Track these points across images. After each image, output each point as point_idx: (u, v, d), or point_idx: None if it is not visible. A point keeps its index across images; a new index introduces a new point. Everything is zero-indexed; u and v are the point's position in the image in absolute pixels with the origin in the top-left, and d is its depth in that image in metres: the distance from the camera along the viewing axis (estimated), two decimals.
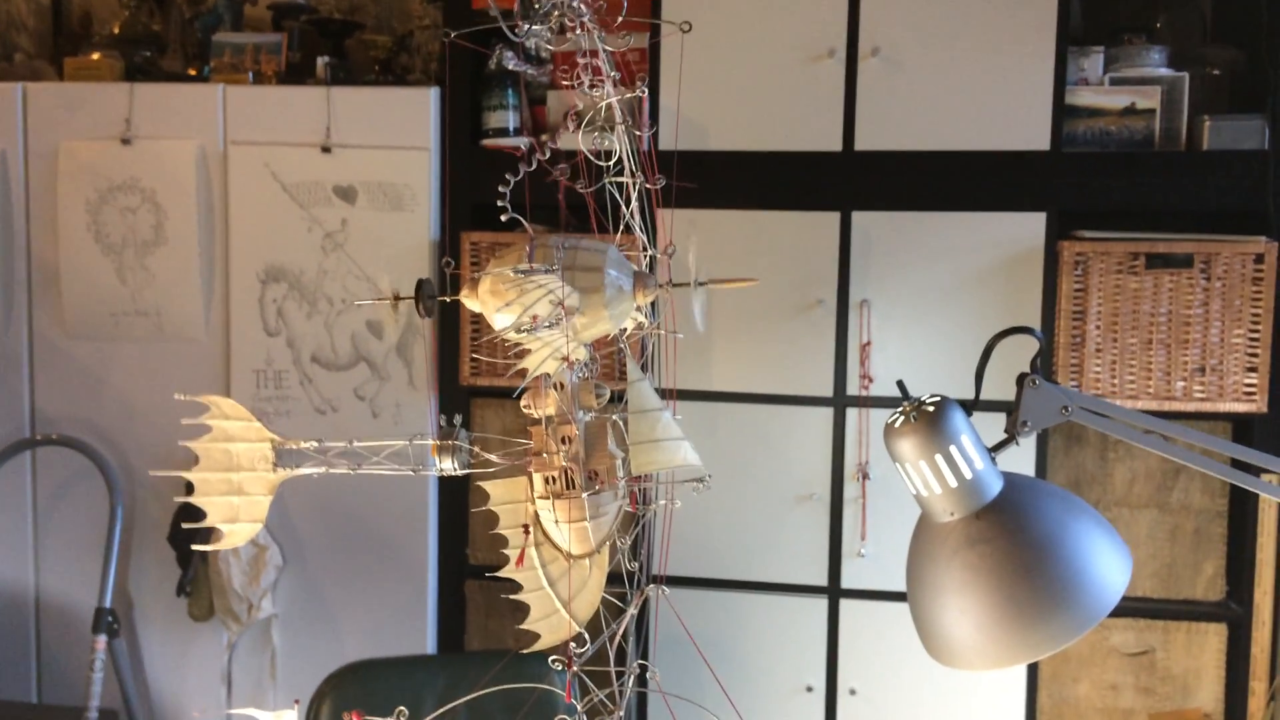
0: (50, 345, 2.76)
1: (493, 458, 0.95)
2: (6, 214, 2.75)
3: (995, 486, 1.01)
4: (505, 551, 0.95)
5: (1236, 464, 1.12)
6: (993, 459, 1.02)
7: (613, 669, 0.92)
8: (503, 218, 0.86)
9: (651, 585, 0.98)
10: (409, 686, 1.88)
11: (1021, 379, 1.03)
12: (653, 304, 0.95)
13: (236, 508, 0.97)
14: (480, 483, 0.95)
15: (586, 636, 0.90)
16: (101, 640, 2.59)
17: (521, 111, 2.61)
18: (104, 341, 2.73)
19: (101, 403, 2.74)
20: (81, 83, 2.74)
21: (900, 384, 1.05)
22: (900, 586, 2.45)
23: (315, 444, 0.95)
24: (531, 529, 0.91)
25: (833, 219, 2.44)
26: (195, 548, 2.54)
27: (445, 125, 2.60)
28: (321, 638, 2.71)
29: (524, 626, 0.93)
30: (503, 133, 2.58)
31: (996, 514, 0.99)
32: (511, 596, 0.93)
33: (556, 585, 0.92)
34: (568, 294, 0.85)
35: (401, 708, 0.87)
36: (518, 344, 0.90)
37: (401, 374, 2.64)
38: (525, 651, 0.92)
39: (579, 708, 0.89)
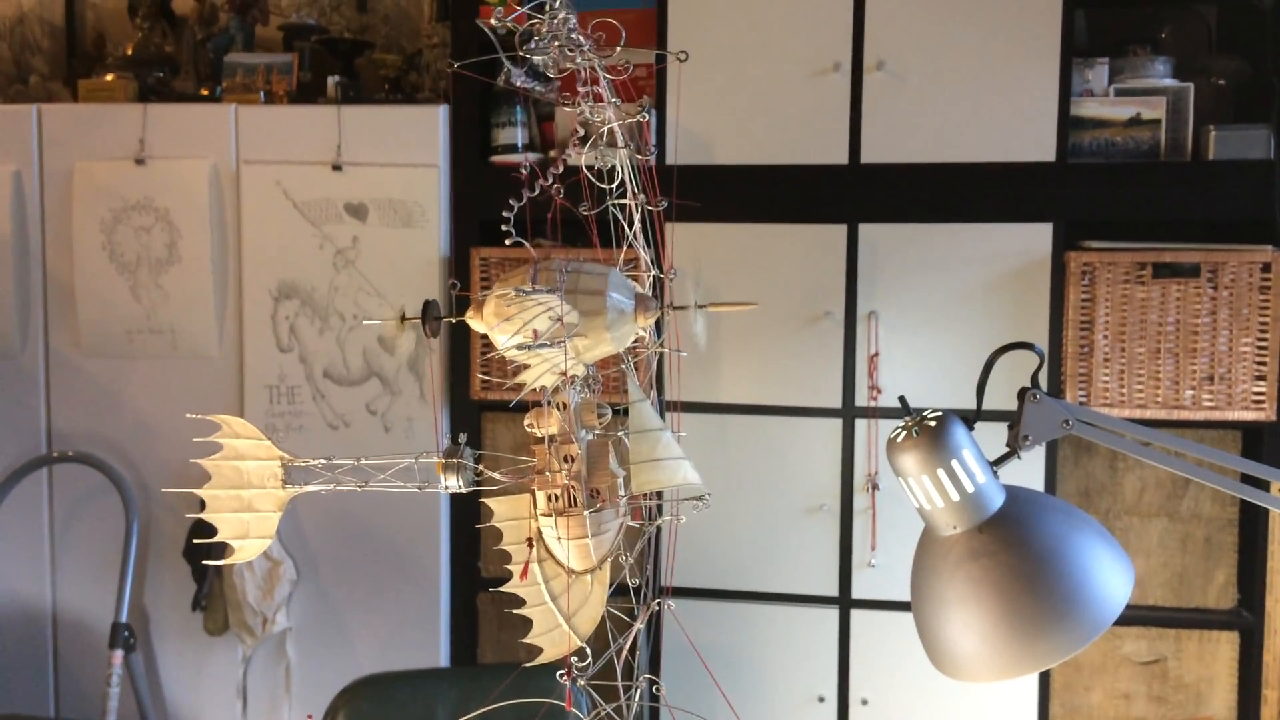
0: (66, 363, 2.79)
1: (496, 475, 0.96)
2: (22, 234, 2.78)
3: (997, 500, 1.02)
4: (509, 567, 0.97)
5: (1245, 478, 1.13)
6: (994, 472, 1.03)
7: (620, 683, 0.93)
8: (507, 241, 0.88)
9: (658, 600, 1.00)
10: (421, 700, 1.90)
11: (1023, 393, 1.04)
12: (657, 323, 0.97)
13: (247, 524, 0.99)
14: (484, 500, 0.97)
15: (588, 650, 0.92)
16: (118, 655, 2.61)
17: (530, 128, 2.64)
18: (119, 359, 2.76)
19: (117, 420, 2.77)
20: (95, 104, 2.78)
21: (902, 399, 1.06)
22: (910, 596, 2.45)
23: (324, 461, 0.97)
24: (535, 544, 0.93)
25: (840, 231, 2.45)
26: (206, 562, 2.56)
27: (455, 142, 2.63)
28: (335, 651, 2.73)
29: (526, 641, 0.95)
30: (511, 149, 2.60)
31: (999, 527, 1.00)
32: (515, 611, 0.95)
33: (559, 600, 0.94)
34: (567, 312, 0.87)
35: None
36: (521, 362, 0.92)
37: (413, 389, 2.66)
38: (529, 665, 0.94)
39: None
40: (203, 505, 1.01)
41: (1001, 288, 2.40)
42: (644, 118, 0.90)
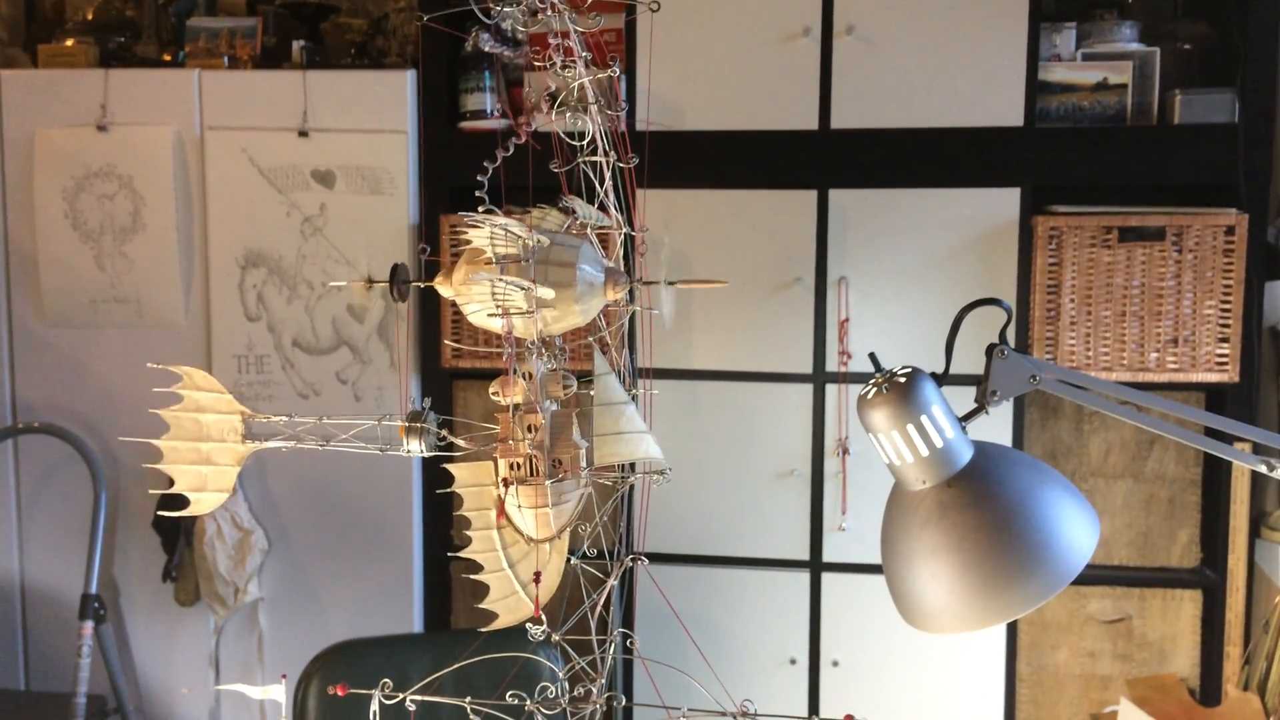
0: (30, 333, 2.76)
1: (459, 441, 0.97)
2: None
3: (966, 455, 1.03)
4: (468, 532, 0.97)
5: (1209, 432, 1.15)
6: (963, 428, 1.04)
7: (594, 637, 0.94)
8: (480, 209, 0.87)
9: (630, 557, 1.00)
10: (395, 665, 1.90)
11: (990, 349, 1.05)
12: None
13: (204, 477, 0.99)
14: (445, 465, 0.97)
15: (544, 618, 0.92)
16: (88, 626, 2.60)
17: (499, 93, 2.62)
18: (84, 329, 2.73)
19: (83, 390, 2.74)
20: (56, 70, 2.73)
21: (872, 356, 1.07)
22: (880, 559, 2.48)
23: (285, 419, 0.97)
24: (503, 494, 0.93)
25: (810, 197, 2.46)
26: (160, 513, 2.54)
27: (423, 108, 2.61)
28: (308, 620, 2.73)
29: (483, 606, 0.96)
30: (480, 115, 2.58)
31: (967, 481, 1.01)
32: (472, 577, 0.95)
33: (516, 567, 0.94)
34: (534, 235, 0.87)
35: (386, 679, 0.89)
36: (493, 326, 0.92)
37: (383, 357, 2.65)
38: (484, 630, 0.95)
39: (561, 675, 0.91)
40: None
41: (970, 252, 2.41)
42: (614, 73, 0.90)
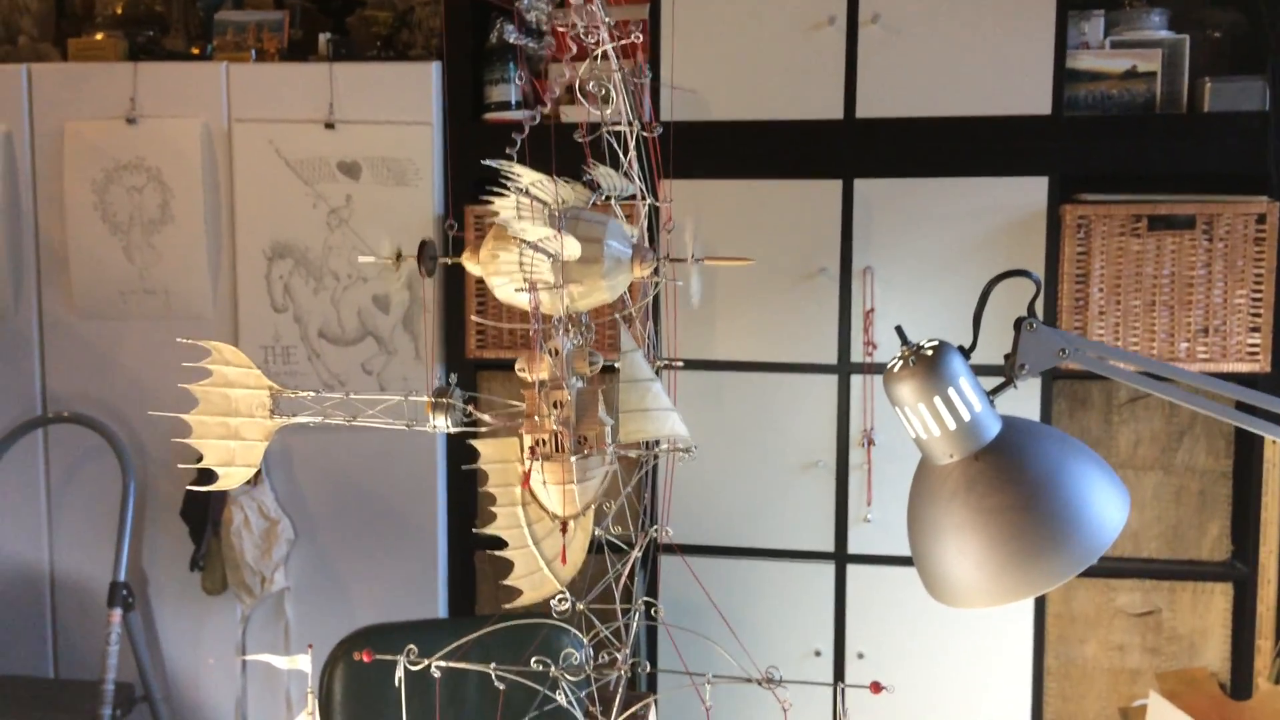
0: (60, 325, 2.78)
1: (485, 417, 0.96)
2: (14, 195, 2.76)
3: (994, 428, 1.02)
4: (493, 509, 0.97)
5: (1241, 406, 1.13)
6: (991, 402, 1.03)
7: (618, 605, 0.94)
8: (504, 175, 0.87)
9: (654, 528, 1.00)
10: (420, 648, 1.90)
11: (1019, 322, 1.04)
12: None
13: (233, 451, 0.99)
14: (471, 441, 0.97)
15: (568, 594, 0.92)
16: (117, 614, 2.62)
17: (523, 85, 2.62)
18: (113, 320, 2.75)
19: (112, 381, 2.77)
20: (85, 63, 2.76)
21: (899, 329, 1.06)
22: (906, 550, 2.46)
23: (312, 394, 0.97)
24: (529, 466, 0.93)
25: (835, 187, 2.45)
26: (191, 487, 2.56)
27: (447, 100, 2.61)
28: (334, 609, 2.74)
29: (507, 583, 0.96)
30: (504, 106, 2.59)
31: (995, 455, 1.00)
32: (497, 553, 0.95)
33: (541, 544, 0.94)
34: (559, 193, 0.87)
35: (411, 645, 0.89)
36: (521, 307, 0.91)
37: (408, 348, 2.66)
38: (508, 607, 0.95)
39: (585, 641, 0.91)
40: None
41: (997, 242, 2.40)
42: (637, 39, 0.90)
